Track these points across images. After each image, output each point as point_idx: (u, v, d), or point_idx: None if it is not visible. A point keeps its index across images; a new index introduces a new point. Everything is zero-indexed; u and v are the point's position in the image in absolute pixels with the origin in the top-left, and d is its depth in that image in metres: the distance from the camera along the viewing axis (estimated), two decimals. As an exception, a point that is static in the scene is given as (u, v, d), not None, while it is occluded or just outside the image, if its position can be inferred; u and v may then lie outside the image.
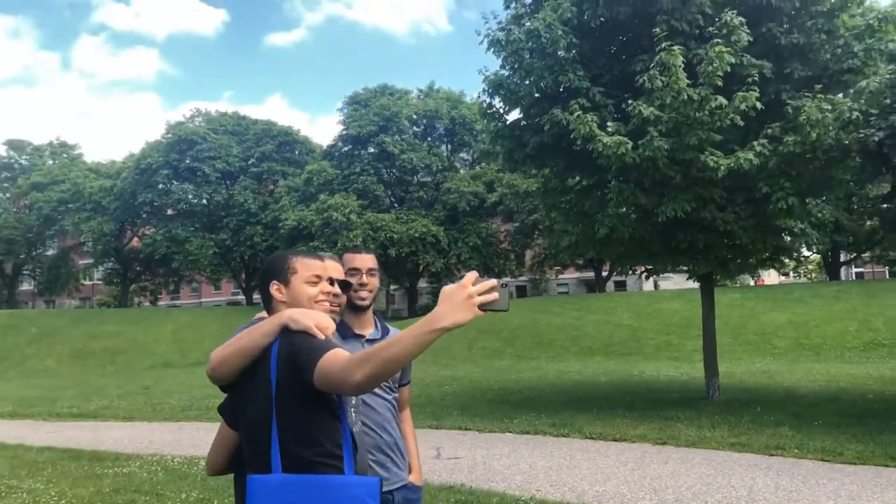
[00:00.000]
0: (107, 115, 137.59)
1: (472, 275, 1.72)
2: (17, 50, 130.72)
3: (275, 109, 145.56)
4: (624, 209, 11.09)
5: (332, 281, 2.17)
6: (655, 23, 10.30)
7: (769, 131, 10.24)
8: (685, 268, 12.50)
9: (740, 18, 9.95)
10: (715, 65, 9.53)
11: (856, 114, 9.43)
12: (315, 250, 2.40)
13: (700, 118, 9.74)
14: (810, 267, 55.44)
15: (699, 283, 12.92)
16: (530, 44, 10.98)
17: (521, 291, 52.51)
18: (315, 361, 1.83)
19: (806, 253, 32.21)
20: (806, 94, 10.22)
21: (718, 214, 10.59)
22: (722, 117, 9.73)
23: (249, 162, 48.79)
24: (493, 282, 1.71)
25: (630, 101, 10.24)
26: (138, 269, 53.98)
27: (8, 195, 54.38)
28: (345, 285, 2.33)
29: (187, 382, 20.13)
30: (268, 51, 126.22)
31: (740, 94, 9.66)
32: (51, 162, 55.13)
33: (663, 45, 9.80)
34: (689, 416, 10.22)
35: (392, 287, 52.24)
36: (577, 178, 12.72)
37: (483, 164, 41.36)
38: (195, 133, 47.09)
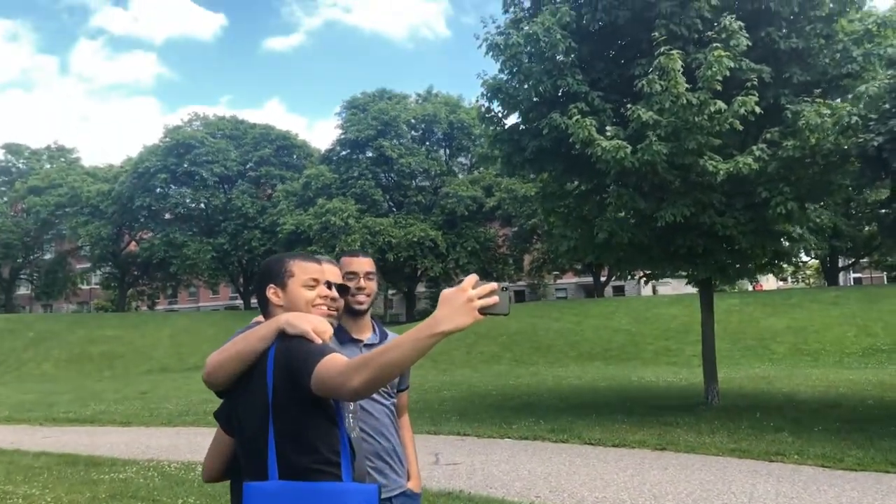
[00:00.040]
0: (105, 119, 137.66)
1: (472, 278, 1.69)
2: (16, 53, 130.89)
3: (273, 114, 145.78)
4: (623, 214, 11.07)
5: (329, 285, 2.14)
6: (654, 27, 10.29)
7: (768, 136, 10.24)
8: (684, 273, 12.48)
9: (739, 23, 9.94)
10: (714, 69, 9.52)
11: (855, 118, 9.42)
12: (313, 254, 2.36)
13: (699, 122, 9.73)
14: (808, 272, 55.51)
15: (698, 289, 12.91)
16: (529, 48, 10.97)
17: (520, 296, 52.46)
18: (312, 366, 1.80)
19: (804, 258, 32.22)
20: (805, 98, 10.21)
21: (717, 219, 10.56)
22: (721, 122, 9.72)
23: (247, 166, 48.76)
24: (494, 285, 1.68)
25: (629, 106, 10.22)
26: (136, 273, 53.86)
27: (5, 199, 54.26)
28: (342, 289, 2.30)
29: (185, 387, 20.05)
30: (266, 55, 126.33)
31: (739, 98, 9.65)
32: (48, 166, 55.06)
33: (662, 49, 9.79)
34: (689, 421, 10.19)
35: (390, 292, 52.18)
36: (576, 183, 12.70)
37: (481, 168, 41.38)
38: (193, 137, 47.06)
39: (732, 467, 7.43)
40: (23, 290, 62.05)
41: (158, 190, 47.43)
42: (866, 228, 31.71)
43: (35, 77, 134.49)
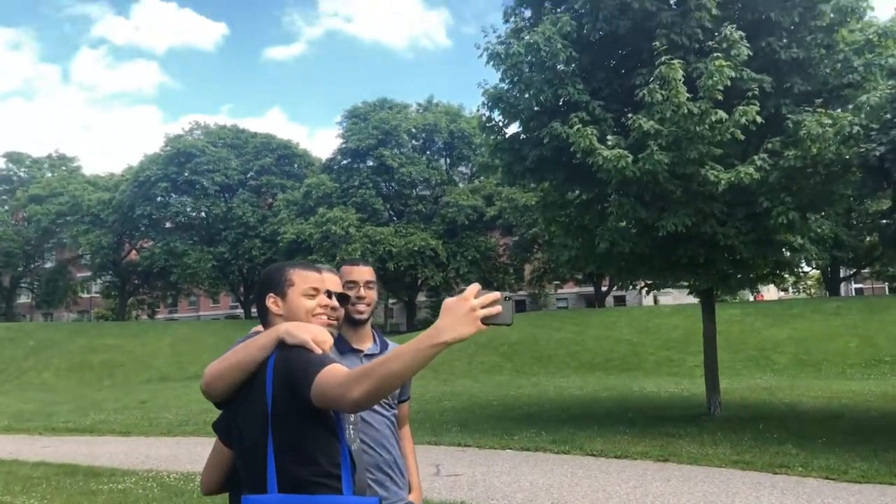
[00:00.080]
0: (106, 127, 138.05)
1: (474, 287, 1.66)
2: (18, 62, 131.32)
3: (274, 123, 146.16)
4: (624, 223, 11.05)
5: (329, 294, 2.11)
6: (655, 37, 10.31)
7: (769, 146, 10.23)
8: (686, 283, 12.45)
9: (740, 33, 9.95)
10: (715, 79, 9.52)
11: (856, 128, 9.42)
12: (313, 263, 2.33)
13: (700, 132, 9.72)
14: (809, 283, 55.44)
15: (699, 299, 12.88)
16: (530, 57, 10.99)
17: (521, 306, 52.39)
18: (312, 377, 1.77)
19: (806, 268, 32.19)
20: (806, 108, 10.21)
21: (719, 229, 10.55)
22: (722, 131, 9.71)
23: (248, 175, 48.80)
24: (497, 294, 1.66)
25: (630, 115, 10.23)
26: (136, 282, 53.84)
27: (6, 208, 54.27)
28: (343, 298, 2.28)
29: (185, 396, 19.99)
30: (267, 64, 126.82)
31: (740, 108, 9.65)
32: (50, 174, 55.10)
33: (663, 58, 9.80)
34: (691, 432, 10.14)
35: (391, 301, 52.15)
36: (577, 192, 12.70)
37: (482, 177, 41.40)
38: (194, 146, 47.12)
39: (736, 479, 7.38)
40: (23, 299, 61.97)
41: (159, 199, 47.44)
42: (867, 239, 31.69)
43: (37, 86, 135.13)
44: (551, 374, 22.86)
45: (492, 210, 40.14)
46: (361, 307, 2.60)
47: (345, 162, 45.02)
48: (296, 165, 50.85)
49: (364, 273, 2.63)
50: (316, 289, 2.06)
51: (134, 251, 51.94)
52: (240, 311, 56.88)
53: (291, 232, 40.41)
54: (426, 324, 45.84)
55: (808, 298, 46.11)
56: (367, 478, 2.31)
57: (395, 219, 44.20)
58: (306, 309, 2.02)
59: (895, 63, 10.27)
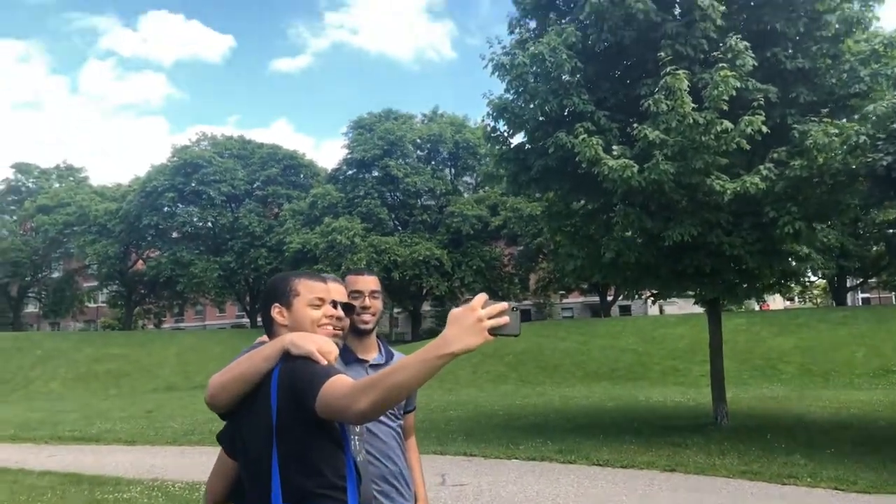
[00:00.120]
0: (114, 138, 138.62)
1: (481, 297, 1.65)
2: (27, 74, 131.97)
3: (280, 133, 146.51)
4: (630, 233, 11.05)
5: (335, 304, 2.10)
6: (660, 47, 10.33)
7: (775, 155, 10.22)
8: (692, 292, 12.42)
9: (745, 43, 9.96)
10: (720, 89, 9.53)
11: (863, 138, 9.39)
12: (318, 272, 2.32)
13: (706, 142, 9.72)
14: (816, 292, 55.16)
15: (705, 308, 12.83)
16: (535, 68, 11.02)
17: (526, 316, 52.25)
18: (317, 388, 1.76)
19: (812, 278, 32.03)
20: (812, 118, 10.20)
21: (725, 239, 10.53)
22: (728, 141, 9.70)
23: (254, 185, 48.96)
24: (504, 305, 1.64)
25: (635, 125, 10.24)
26: (143, 291, 53.92)
27: (14, 218, 54.50)
28: (348, 308, 2.27)
29: (190, 406, 19.98)
30: (274, 76, 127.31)
31: (746, 118, 9.65)
32: (57, 185, 55.33)
33: (668, 69, 9.81)
34: (698, 442, 10.09)
35: (396, 310, 52.07)
36: (582, 202, 12.70)
37: (487, 187, 41.40)
38: (201, 157, 47.28)
39: (744, 490, 7.33)
40: (31, 309, 62.12)
41: (166, 209, 47.60)
42: (874, 248, 31.55)
43: (46, 97, 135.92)
44: (557, 383, 22.79)
45: (496, 220, 40.13)
46: (366, 317, 2.59)
47: (350, 172, 45.12)
48: (301, 176, 50.97)
49: (369, 283, 2.62)
50: (321, 299, 2.05)
51: (140, 261, 52.09)
52: (246, 320, 56.88)
53: (297, 241, 40.47)
54: (431, 333, 45.77)
55: (815, 308, 45.90)
56: (373, 489, 2.30)
57: (400, 228, 44.22)
58: (312, 319, 2.01)
59: (901, 73, 10.27)
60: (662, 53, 10.12)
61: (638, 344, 25.83)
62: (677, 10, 11.16)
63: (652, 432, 11.30)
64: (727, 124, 9.58)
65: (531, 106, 11.34)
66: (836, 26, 10.60)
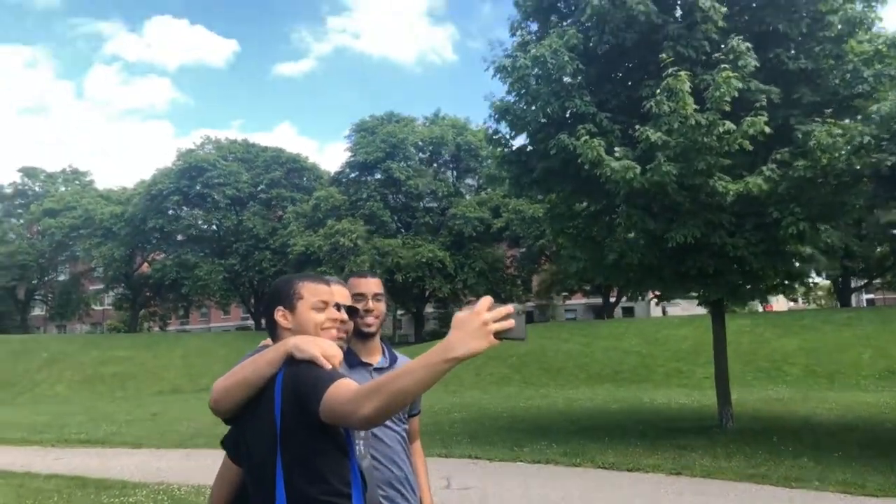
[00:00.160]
0: (119, 142, 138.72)
1: (486, 300, 1.63)
2: (33, 79, 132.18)
3: (284, 137, 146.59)
4: (632, 234, 11.02)
5: (339, 307, 2.09)
6: (662, 49, 10.32)
7: (778, 156, 10.20)
8: (695, 294, 12.39)
9: (747, 44, 9.95)
10: (722, 90, 9.51)
11: (867, 138, 9.36)
12: (322, 275, 2.33)
13: (708, 143, 9.70)
14: (820, 293, 55.02)
15: (709, 310, 12.80)
16: (536, 70, 11.01)
17: (528, 317, 52.13)
18: (321, 393, 1.76)
19: (816, 279, 31.96)
20: (815, 119, 10.18)
21: (728, 240, 10.50)
22: (730, 142, 9.69)
23: (258, 188, 49.02)
24: (510, 308, 1.63)
25: (637, 127, 10.22)
26: (148, 294, 54.01)
27: (21, 221, 54.71)
28: (352, 311, 2.27)
29: (196, 409, 20.00)
30: (277, 80, 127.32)
31: (748, 118, 9.63)
32: (63, 189, 55.52)
33: (670, 70, 9.80)
34: (703, 444, 10.05)
35: (399, 312, 52.06)
36: (585, 204, 12.69)
37: (489, 189, 41.38)
38: (205, 160, 47.38)
39: (751, 494, 7.29)
40: (37, 311, 62.29)
41: (171, 212, 47.76)
42: (878, 249, 31.43)
43: (52, 102, 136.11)
44: (560, 385, 22.75)
45: (499, 222, 40.09)
46: (370, 320, 2.58)
47: (353, 175, 45.16)
48: (305, 179, 51.05)
49: (372, 285, 2.61)
50: (325, 302, 2.04)
51: (146, 264, 52.19)
52: (251, 322, 56.95)
53: (301, 244, 40.51)
54: (434, 335, 45.74)
55: (819, 309, 45.75)
56: (378, 494, 2.30)
57: (402, 231, 44.22)
58: (315, 323, 2.00)
59: (905, 73, 10.24)
60: (664, 55, 10.11)
61: (641, 346, 25.76)
62: (678, 12, 11.16)
63: (657, 435, 11.27)
64: (729, 125, 9.57)
65: (533, 108, 11.33)
66: (839, 27, 10.57)
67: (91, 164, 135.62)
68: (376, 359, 2.63)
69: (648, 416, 13.81)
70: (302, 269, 38.39)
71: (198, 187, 46.43)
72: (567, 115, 11.24)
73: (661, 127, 9.82)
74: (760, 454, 9.23)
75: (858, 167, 9.90)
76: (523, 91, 11.36)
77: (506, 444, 10.86)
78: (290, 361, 1.88)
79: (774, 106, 10.33)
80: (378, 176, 43.85)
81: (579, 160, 10.24)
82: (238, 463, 2.06)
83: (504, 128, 12.21)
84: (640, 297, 14.00)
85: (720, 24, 10.30)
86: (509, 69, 11.23)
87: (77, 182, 56.81)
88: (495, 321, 1.60)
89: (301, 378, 1.82)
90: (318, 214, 42.25)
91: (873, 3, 10.67)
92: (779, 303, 47.13)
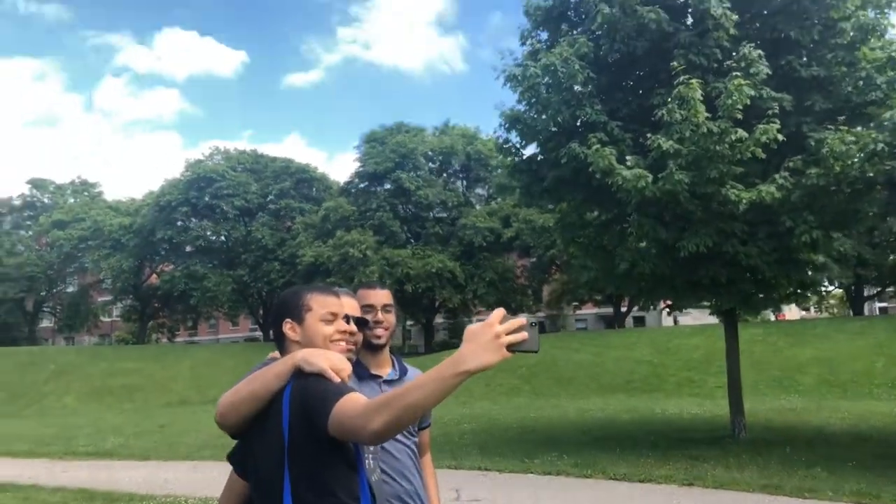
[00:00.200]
0: (128, 153, 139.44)
1: (499, 312, 1.60)
2: (43, 92, 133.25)
3: (293, 148, 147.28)
4: (644, 244, 10.95)
5: (348, 318, 2.05)
6: (673, 57, 10.28)
7: (791, 164, 10.11)
8: (707, 303, 12.28)
9: (759, 52, 9.89)
10: (734, 98, 9.45)
11: (881, 146, 9.26)
12: (331, 286, 2.27)
13: (720, 151, 9.63)
14: (832, 301, 54.65)
15: (721, 319, 12.68)
16: (547, 79, 10.97)
17: (540, 328, 51.85)
18: (330, 407, 1.71)
19: (829, 287, 31.72)
20: (828, 126, 10.09)
21: (741, 249, 10.41)
22: (743, 150, 9.62)
23: (267, 199, 49.13)
24: (522, 320, 1.60)
25: (649, 135, 10.16)
26: (156, 305, 54.20)
27: (30, 233, 55.08)
28: (361, 323, 2.22)
29: (204, 420, 19.97)
30: (286, 91, 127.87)
31: (761, 126, 9.56)
32: (72, 200, 55.86)
33: (681, 78, 9.74)
34: (716, 455, 9.94)
35: (408, 323, 52.02)
36: (596, 213, 12.62)
37: (499, 199, 41.36)
38: (214, 171, 47.58)
39: (765, 505, 7.19)
40: (46, 323, 62.59)
41: (179, 223, 47.92)
42: (891, 257, 31.15)
43: (61, 114, 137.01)
44: (571, 395, 22.61)
45: (509, 231, 40.04)
46: (379, 331, 2.55)
47: (362, 185, 45.22)
48: (314, 189, 51.16)
49: (381, 296, 2.58)
50: (334, 314, 2.00)
51: (154, 275, 52.37)
52: (259, 333, 57.02)
53: (310, 255, 40.54)
54: (444, 346, 45.65)
55: (832, 317, 45.46)
56: (388, 510, 2.25)
57: (412, 241, 44.21)
58: (324, 335, 1.97)
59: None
60: (675, 63, 10.06)
61: (653, 355, 25.61)
62: (690, 20, 11.11)
63: (669, 445, 11.15)
64: (742, 133, 9.50)
65: (543, 117, 11.29)
66: (851, 34, 10.48)
67: (100, 176, 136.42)
68: (386, 371, 2.59)
69: (660, 427, 13.68)
70: (311, 280, 38.41)
71: (206, 198, 46.57)
72: (578, 124, 11.20)
73: (673, 135, 9.76)
74: (773, 464, 9.13)
75: (872, 174, 9.80)
76: (534, 100, 11.32)
77: (516, 456, 10.76)
78: (299, 375, 1.84)
79: (787, 113, 10.25)
80: (388, 186, 43.90)
81: (590, 169, 10.18)
82: (245, 478, 2.02)
83: (514, 137, 12.19)
84: (651, 307, 13.90)
85: (732, 31, 10.25)
86: (520, 78, 11.19)
87: (86, 193, 57.14)
88: (508, 333, 1.57)
89: (309, 392, 1.79)
90: (328, 225, 42.30)
91: (886, 10, 10.61)
92: (791, 311, 46.85)
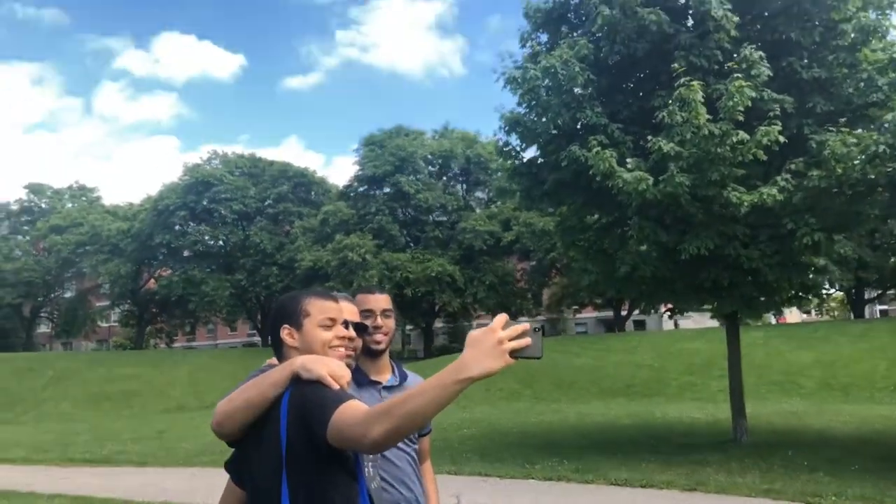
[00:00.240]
0: (126, 158, 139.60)
1: (501, 318, 1.56)
2: (41, 96, 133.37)
3: (291, 151, 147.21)
4: (645, 247, 10.90)
5: (347, 324, 2.02)
6: (673, 59, 10.25)
7: (792, 166, 10.07)
8: (709, 306, 12.23)
9: (760, 53, 9.86)
10: (735, 100, 9.40)
11: (882, 147, 9.21)
12: (330, 290, 2.22)
13: (721, 153, 9.59)
14: (833, 304, 54.64)
15: (722, 322, 12.63)
16: (547, 81, 10.94)
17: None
18: (329, 415, 1.68)
19: (830, 290, 31.72)
20: (829, 128, 10.05)
21: (742, 251, 10.36)
22: (744, 152, 9.57)
23: (265, 203, 49.08)
24: (526, 325, 1.56)
25: (649, 137, 10.11)
26: (154, 310, 54.14)
27: (27, 238, 55.01)
28: (360, 328, 2.18)
29: (202, 426, 19.86)
30: (284, 94, 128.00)
31: (762, 128, 9.52)
32: (70, 205, 55.88)
33: (682, 80, 9.70)
34: (718, 459, 9.89)
35: (408, 327, 51.96)
36: (596, 216, 12.58)
37: (499, 202, 41.35)
38: (212, 175, 47.52)
39: (768, 510, 7.13)
40: (43, 329, 62.54)
41: (177, 227, 47.82)
42: (892, 260, 31.15)
43: (60, 118, 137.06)
44: (572, 400, 22.53)
45: (509, 235, 39.99)
46: (379, 337, 2.52)
47: (361, 189, 45.17)
48: (312, 193, 51.12)
49: (380, 301, 2.55)
50: (333, 319, 1.97)
51: (152, 280, 52.28)
52: (257, 338, 56.94)
53: (309, 259, 40.48)
54: (444, 350, 45.59)
55: (833, 321, 45.43)
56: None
57: (411, 245, 44.15)
58: (323, 341, 1.93)
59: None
60: (676, 65, 10.02)
61: (654, 359, 25.54)
62: (690, 22, 11.09)
63: (671, 450, 11.09)
64: (743, 135, 9.45)
65: (544, 119, 11.26)
66: (853, 35, 10.47)
67: (98, 180, 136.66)
68: (385, 377, 2.56)
69: (661, 431, 13.61)
70: (310, 284, 38.34)
71: (204, 202, 46.54)
72: (578, 127, 11.17)
73: (674, 137, 9.71)
74: (776, 469, 9.09)
75: (873, 176, 9.74)
76: (534, 102, 11.29)
77: (516, 461, 10.70)
78: (297, 382, 1.80)
79: (788, 115, 10.22)
80: (387, 190, 43.86)
81: (591, 172, 10.14)
82: (242, 487, 1.99)
83: (514, 140, 12.15)
84: (652, 310, 13.84)
85: (733, 33, 10.22)
86: (519, 80, 11.15)
87: (84, 198, 57.15)
88: (511, 339, 1.54)
89: (308, 399, 1.75)
90: (326, 229, 42.26)
91: (887, 12, 10.58)
92: (792, 315, 46.83)
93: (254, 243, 46.35)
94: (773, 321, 41.76)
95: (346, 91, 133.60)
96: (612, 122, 10.82)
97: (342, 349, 1.97)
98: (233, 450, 2.01)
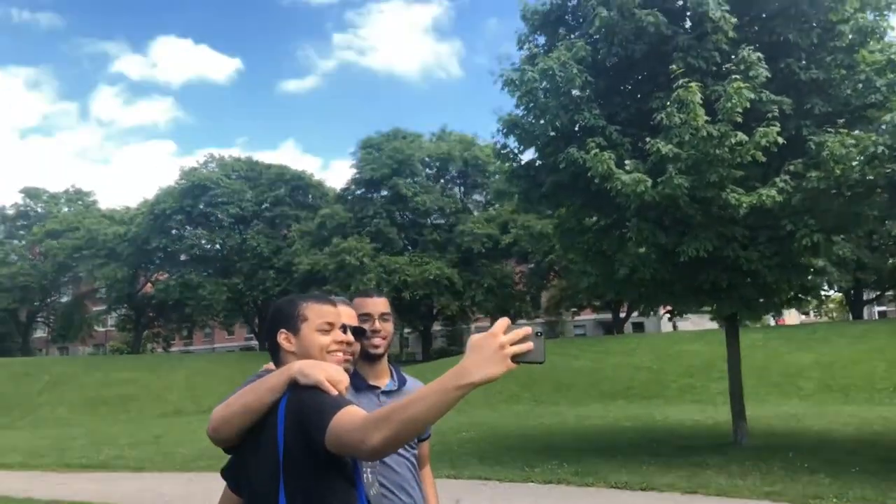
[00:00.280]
0: (122, 161, 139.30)
1: (503, 322, 1.54)
2: (37, 100, 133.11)
3: (288, 154, 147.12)
4: (644, 249, 10.87)
5: (345, 328, 1.98)
6: (671, 60, 10.23)
7: (791, 167, 10.06)
8: (708, 308, 12.21)
9: (758, 54, 9.85)
10: (734, 101, 9.39)
11: (881, 148, 9.21)
12: (328, 294, 2.19)
13: (720, 155, 9.57)
14: (831, 306, 54.66)
15: (721, 324, 12.60)
16: (545, 83, 10.92)
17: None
18: (327, 421, 1.64)
19: (829, 292, 31.75)
20: (828, 129, 10.03)
21: (741, 253, 10.34)
22: (743, 153, 9.56)
23: (262, 206, 48.98)
24: (528, 329, 1.54)
25: (648, 139, 10.09)
26: (151, 315, 53.98)
27: (23, 243, 54.81)
28: (358, 332, 2.14)
29: (199, 431, 19.73)
30: (281, 97, 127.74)
31: (761, 129, 9.51)
32: (66, 209, 55.68)
33: (680, 81, 9.68)
34: (718, 462, 9.86)
35: (406, 330, 51.88)
36: (595, 218, 12.55)
37: (497, 205, 41.33)
38: (209, 179, 47.43)
39: (769, 513, 7.09)
40: (40, 333, 62.35)
41: (174, 231, 47.73)
42: (890, 261, 31.19)
43: (56, 122, 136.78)
44: (571, 402, 22.49)
45: (507, 238, 39.94)
46: (377, 341, 2.49)
47: (359, 192, 45.12)
48: (310, 196, 51.01)
49: (378, 305, 2.52)
50: (331, 323, 1.94)
51: (149, 284, 52.16)
52: (255, 342, 56.78)
53: (306, 263, 40.40)
54: (442, 353, 45.51)
55: (832, 322, 45.42)
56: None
57: (409, 248, 44.08)
58: (320, 346, 1.90)
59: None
60: (674, 66, 10.01)
61: (653, 361, 25.51)
62: (688, 23, 11.08)
63: (671, 452, 11.06)
64: (741, 137, 9.44)
65: (541, 121, 11.24)
66: (851, 36, 10.45)
67: (94, 184, 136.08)
68: (384, 381, 2.53)
69: (661, 434, 13.58)
70: (307, 288, 38.30)
71: (201, 206, 46.44)
72: (576, 129, 11.15)
73: (672, 139, 9.69)
74: (776, 471, 9.06)
75: (872, 177, 9.74)
76: (532, 104, 11.26)
77: (516, 464, 10.66)
78: (294, 387, 1.77)
79: (786, 116, 10.20)
80: (384, 193, 43.82)
81: (589, 174, 10.11)
82: (239, 494, 1.97)
83: (512, 142, 12.14)
84: (651, 313, 13.80)
85: (730, 34, 10.21)
86: (517, 82, 11.13)
87: (80, 202, 56.95)
88: (513, 344, 1.51)
89: (305, 405, 1.72)
90: (324, 232, 42.18)
91: (885, 13, 10.57)
92: (791, 316, 46.84)
93: (251, 247, 46.24)
94: (772, 323, 41.75)
95: (343, 94, 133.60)
96: (610, 124, 10.80)
97: (340, 354, 1.94)
98: (229, 456, 1.98)
